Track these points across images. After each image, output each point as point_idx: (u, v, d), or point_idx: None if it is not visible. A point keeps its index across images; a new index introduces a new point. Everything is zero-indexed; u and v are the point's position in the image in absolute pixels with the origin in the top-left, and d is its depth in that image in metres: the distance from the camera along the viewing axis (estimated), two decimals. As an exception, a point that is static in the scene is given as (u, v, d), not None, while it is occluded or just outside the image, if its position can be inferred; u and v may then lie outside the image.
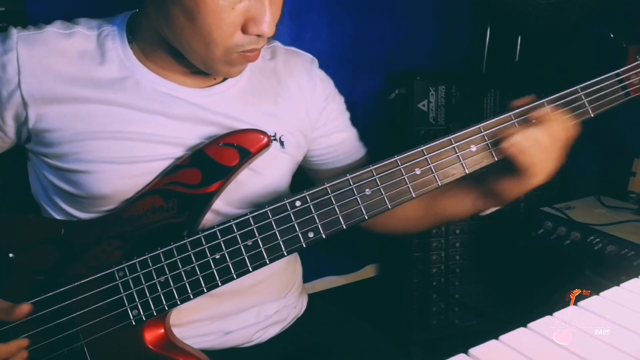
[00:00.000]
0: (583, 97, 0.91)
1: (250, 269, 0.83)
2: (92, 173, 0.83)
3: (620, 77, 0.93)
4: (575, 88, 0.91)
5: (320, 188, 0.84)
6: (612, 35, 0.96)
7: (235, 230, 0.83)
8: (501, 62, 1.85)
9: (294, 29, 1.57)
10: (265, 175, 0.93)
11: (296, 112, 0.99)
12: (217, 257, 0.83)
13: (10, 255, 0.83)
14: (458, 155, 0.86)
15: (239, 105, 0.92)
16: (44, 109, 0.83)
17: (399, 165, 0.85)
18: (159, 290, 0.82)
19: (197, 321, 0.94)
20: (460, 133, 0.87)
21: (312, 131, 1.02)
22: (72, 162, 0.84)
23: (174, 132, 0.87)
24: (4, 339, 0.80)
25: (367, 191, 0.84)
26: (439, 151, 0.86)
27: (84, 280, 0.82)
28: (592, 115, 0.91)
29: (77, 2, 1.19)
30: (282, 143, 0.95)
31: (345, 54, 1.67)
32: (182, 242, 0.82)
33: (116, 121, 0.84)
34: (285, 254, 0.83)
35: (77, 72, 0.84)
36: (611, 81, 0.92)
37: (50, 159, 0.85)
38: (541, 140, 0.83)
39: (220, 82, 0.92)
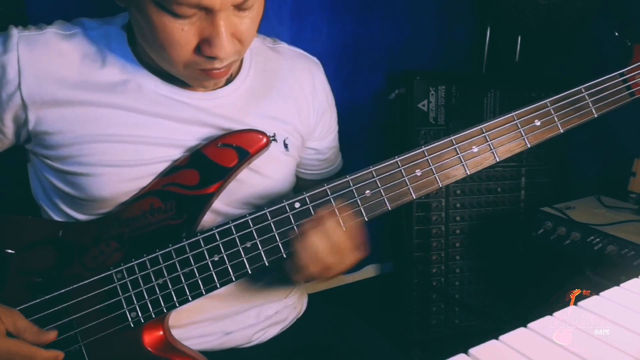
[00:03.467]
0: (587, 97, 0.90)
1: (249, 271, 0.83)
2: (93, 176, 0.83)
3: (625, 77, 0.92)
4: (578, 88, 0.90)
5: (320, 190, 0.84)
6: (616, 34, 0.95)
7: (234, 232, 0.83)
8: (501, 62, 1.85)
9: (294, 29, 1.57)
10: (269, 176, 0.93)
11: (299, 116, 0.98)
12: (216, 259, 0.82)
13: (8, 256, 0.83)
14: (460, 157, 0.86)
15: (242, 108, 0.92)
16: (44, 111, 0.82)
17: (399, 167, 0.84)
18: (157, 292, 0.82)
19: (197, 322, 0.94)
20: (462, 134, 0.86)
21: (308, 138, 1.02)
22: (73, 165, 0.83)
23: (177, 135, 0.86)
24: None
25: (368, 192, 0.84)
26: (440, 152, 0.85)
27: (82, 283, 0.82)
28: (596, 116, 0.91)
29: (77, 3, 1.19)
30: (286, 146, 0.95)
31: (345, 54, 1.67)
32: (180, 244, 0.82)
33: (117, 124, 0.84)
34: (285, 257, 0.83)
35: (78, 74, 0.83)
36: (615, 81, 0.91)
37: (50, 160, 0.85)
38: (319, 251, 0.81)
39: (223, 86, 0.91)
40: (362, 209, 0.84)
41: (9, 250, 0.83)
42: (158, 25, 0.73)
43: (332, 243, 0.81)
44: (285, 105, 0.97)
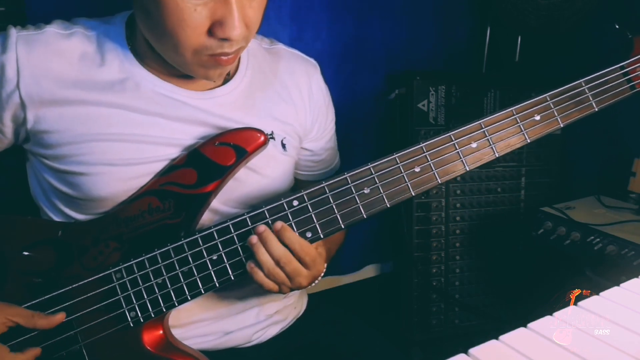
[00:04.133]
0: (587, 91, 0.89)
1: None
2: (91, 175, 0.83)
3: (626, 70, 0.91)
4: (578, 82, 0.90)
5: (318, 187, 0.83)
6: (617, 27, 0.94)
7: (233, 231, 0.82)
8: (501, 62, 1.85)
9: (294, 29, 1.57)
10: (267, 176, 0.93)
11: (296, 116, 0.99)
12: (215, 258, 0.82)
13: (8, 257, 0.83)
14: (458, 152, 0.86)
15: (240, 108, 0.92)
16: (43, 110, 0.82)
17: (397, 163, 0.84)
18: (157, 291, 0.82)
19: (196, 322, 0.94)
20: (461, 129, 0.86)
21: (304, 138, 1.02)
22: (71, 164, 0.83)
23: (175, 134, 0.86)
24: (5, 342, 0.79)
25: (366, 190, 0.84)
26: (438, 148, 0.85)
27: (82, 282, 0.82)
28: (597, 110, 0.90)
29: (77, 2, 1.19)
30: (283, 146, 0.95)
31: (345, 54, 1.67)
32: (179, 243, 0.82)
33: (116, 123, 0.84)
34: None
35: (76, 74, 0.83)
36: (616, 74, 0.91)
37: (49, 160, 0.85)
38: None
39: (221, 85, 0.92)
40: (360, 206, 0.83)
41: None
42: (170, 7, 0.73)
43: (275, 259, 0.81)
44: (282, 105, 0.97)
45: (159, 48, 0.81)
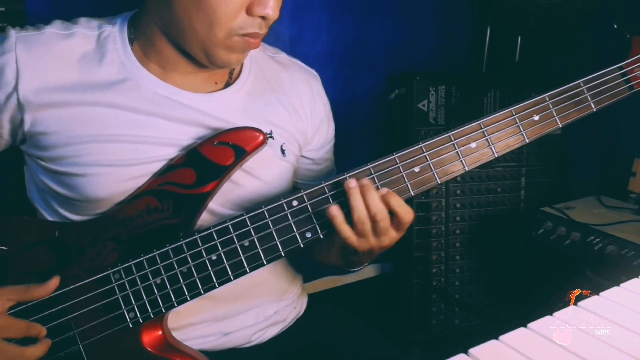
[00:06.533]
0: (585, 92, 0.89)
1: (248, 270, 0.83)
2: (88, 176, 0.83)
3: (624, 70, 0.90)
4: (577, 82, 0.90)
5: (318, 187, 0.83)
6: (615, 26, 0.94)
7: (232, 231, 0.82)
8: (501, 62, 1.85)
9: (294, 29, 1.57)
10: (265, 181, 0.93)
11: (296, 125, 0.99)
12: (214, 258, 0.82)
13: (7, 257, 0.83)
14: (458, 152, 0.86)
15: (241, 112, 0.92)
16: (40, 112, 0.82)
17: (397, 163, 0.84)
18: (156, 292, 0.82)
19: (196, 323, 0.93)
20: (460, 130, 0.86)
21: (304, 147, 1.02)
22: (68, 165, 0.83)
23: (174, 134, 0.86)
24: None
25: (366, 190, 0.83)
26: (438, 148, 0.85)
27: (80, 283, 0.82)
28: (595, 110, 0.90)
29: (77, 2, 1.19)
30: (283, 151, 0.95)
31: (345, 54, 1.67)
32: (178, 244, 0.82)
33: (114, 124, 0.83)
34: (283, 255, 0.83)
35: (76, 75, 0.83)
36: (614, 74, 0.90)
37: (46, 162, 0.85)
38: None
39: (222, 89, 0.92)
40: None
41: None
42: None
43: (372, 213, 0.79)
44: (282, 112, 0.97)
45: (186, 31, 0.81)
